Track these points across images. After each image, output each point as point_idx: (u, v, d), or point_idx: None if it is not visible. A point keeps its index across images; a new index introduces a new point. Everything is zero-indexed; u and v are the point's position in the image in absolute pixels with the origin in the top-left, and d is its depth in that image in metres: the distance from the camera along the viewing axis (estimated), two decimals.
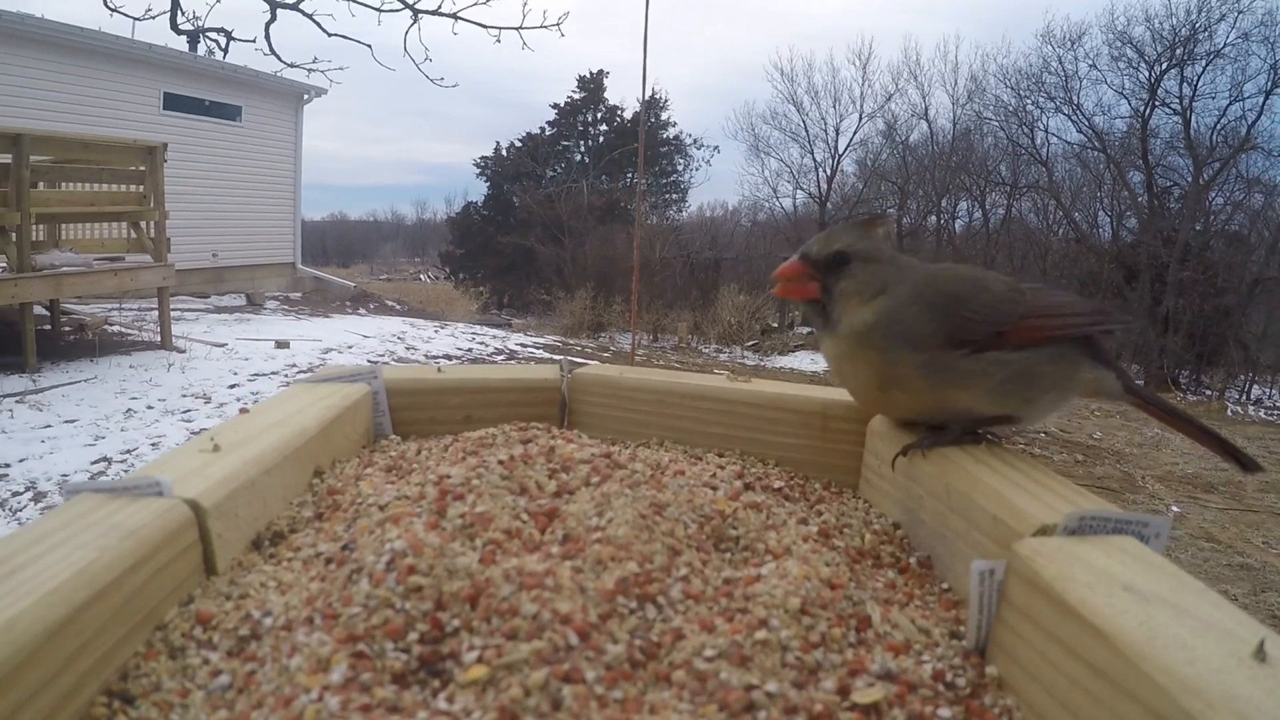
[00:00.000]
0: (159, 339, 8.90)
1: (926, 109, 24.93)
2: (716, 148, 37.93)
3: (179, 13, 13.55)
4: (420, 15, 13.34)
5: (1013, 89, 21.97)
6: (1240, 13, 17.55)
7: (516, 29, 13.27)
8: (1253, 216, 18.16)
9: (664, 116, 29.81)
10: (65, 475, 4.97)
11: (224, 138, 16.60)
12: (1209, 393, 15.03)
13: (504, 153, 28.62)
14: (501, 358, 10.62)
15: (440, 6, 13.36)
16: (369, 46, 13.77)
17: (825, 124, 25.88)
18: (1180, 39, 18.28)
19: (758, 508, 0.87)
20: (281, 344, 9.63)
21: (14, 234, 6.96)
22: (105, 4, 12.43)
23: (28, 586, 0.56)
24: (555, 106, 29.39)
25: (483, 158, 28.80)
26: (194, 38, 15.12)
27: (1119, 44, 19.44)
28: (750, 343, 16.05)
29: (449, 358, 10.09)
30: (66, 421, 6.00)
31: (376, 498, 0.84)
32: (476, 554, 0.71)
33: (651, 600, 0.67)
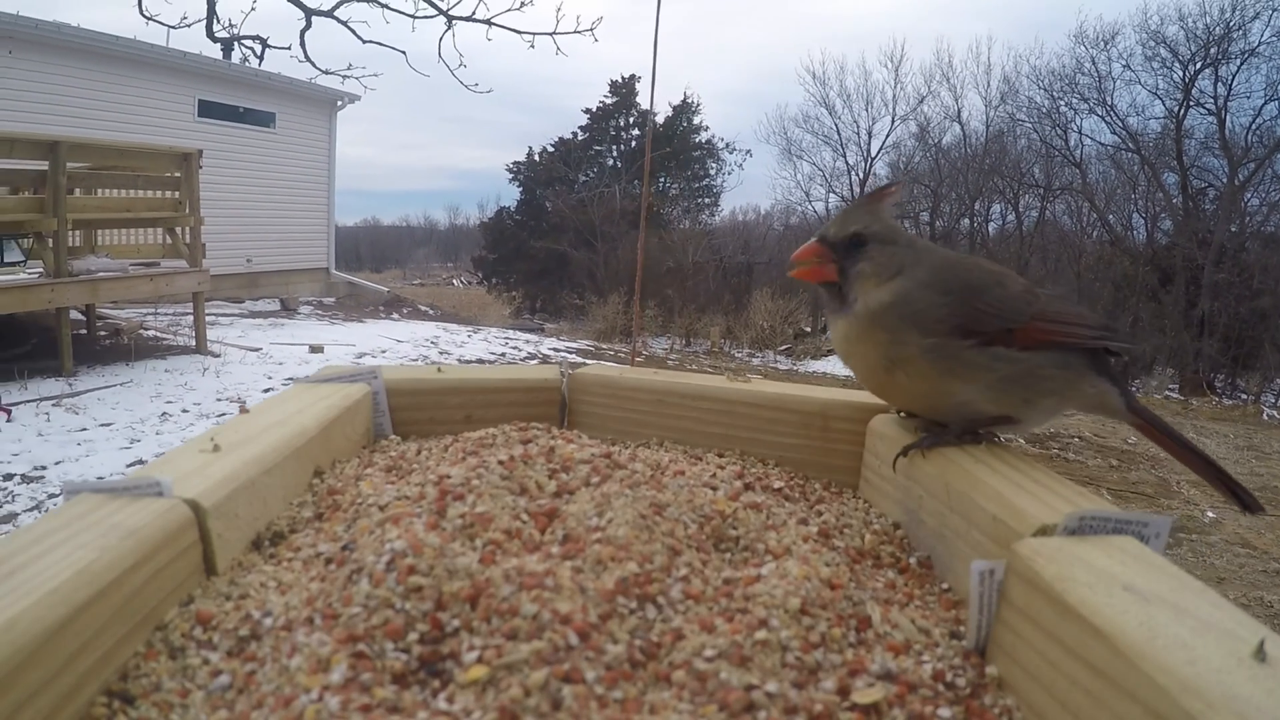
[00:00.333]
0: (194, 343, 8.95)
1: (959, 111, 24.77)
2: (749, 151, 37.91)
3: (214, 20, 13.67)
4: (454, 21, 13.39)
5: (1046, 90, 21.81)
6: (1275, 10, 17.33)
7: (550, 34, 13.29)
8: None
9: (696, 120, 29.72)
10: (101, 478, 4.97)
11: (258, 144, 16.67)
12: (1245, 396, 14.83)
13: (536, 158, 28.54)
14: (534, 362, 10.62)
15: (474, 12, 13.40)
16: (403, 53, 13.83)
17: (858, 127, 25.78)
18: (1214, 38, 18.08)
19: (758, 508, 0.87)
20: (316, 348, 9.66)
21: (51, 239, 7.02)
22: (141, 12, 12.54)
23: (28, 586, 0.56)
24: (587, 111, 29.29)
25: (515, 163, 28.74)
26: (229, 45, 15.21)
27: (1152, 44, 19.27)
28: (783, 347, 15.98)
29: (482, 363, 10.10)
30: (102, 425, 6.02)
31: (376, 498, 0.84)
32: (476, 554, 0.71)
33: (651, 600, 0.67)
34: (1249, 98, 18.27)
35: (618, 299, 17.06)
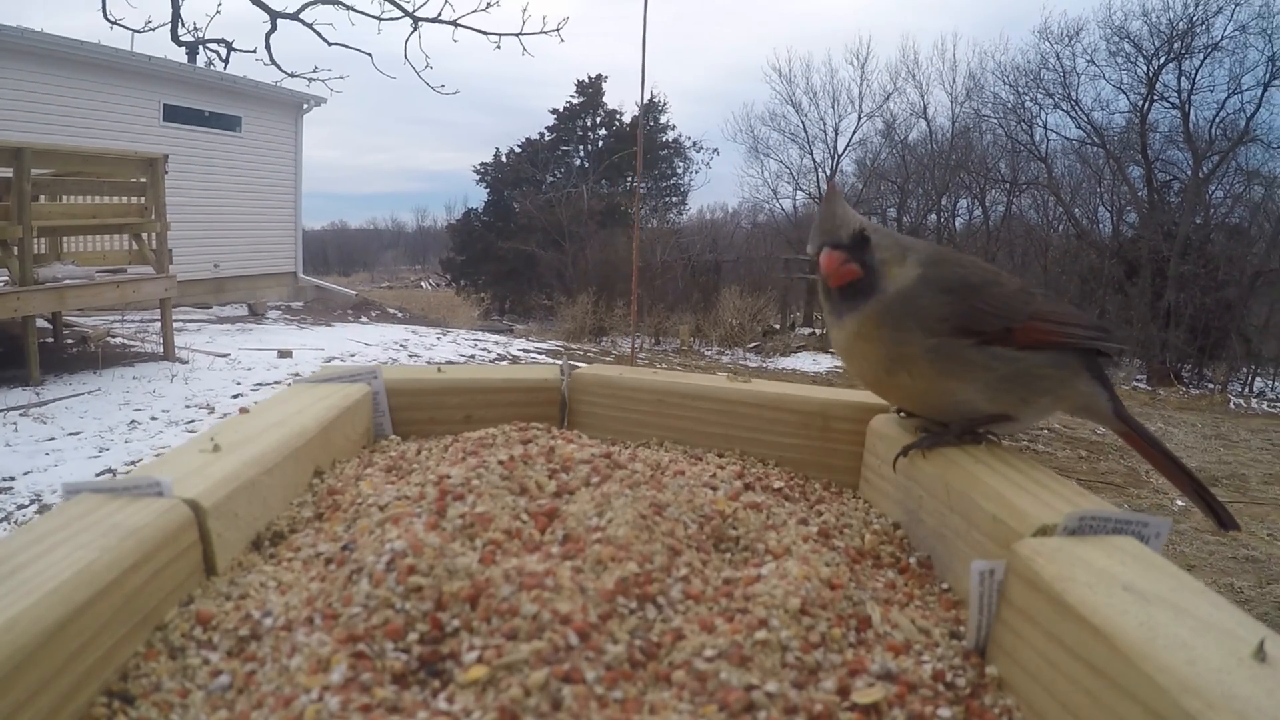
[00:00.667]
0: (162, 350, 8.91)
1: (925, 108, 24.92)
2: (716, 150, 38.04)
3: (179, 24, 13.58)
4: (420, 23, 13.36)
5: (1011, 86, 21.97)
6: (1237, 5, 17.53)
7: (516, 35, 13.29)
8: (1253, 209, 18.12)
9: (663, 120, 29.81)
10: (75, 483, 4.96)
11: (224, 148, 16.58)
12: (1212, 386, 15.02)
13: (504, 159, 28.56)
14: (504, 363, 10.62)
15: (440, 14, 13.38)
16: (369, 55, 13.79)
17: (824, 124, 25.91)
18: (1178, 33, 18.26)
19: (758, 508, 0.87)
20: (284, 353, 9.64)
21: (16, 247, 6.96)
22: (105, 16, 12.46)
23: (28, 586, 0.56)
24: (554, 112, 29.33)
25: (482, 164, 28.74)
26: (194, 49, 15.13)
27: (1116, 39, 19.43)
28: (752, 344, 16.00)
29: (452, 364, 10.08)
30: (70, 434, 5.99)
31: (376, 498, 0.84)
32: (476, 554, 0.71)
33: (651, 600, 0.67)
34: (1212, 91, 18.45)
35: (586, 299, 17.05)
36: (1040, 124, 21.38)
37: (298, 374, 8.34)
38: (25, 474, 5.13)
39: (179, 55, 15.11)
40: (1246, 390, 14.89)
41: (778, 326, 18.24)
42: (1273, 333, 15.94)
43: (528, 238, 23.99)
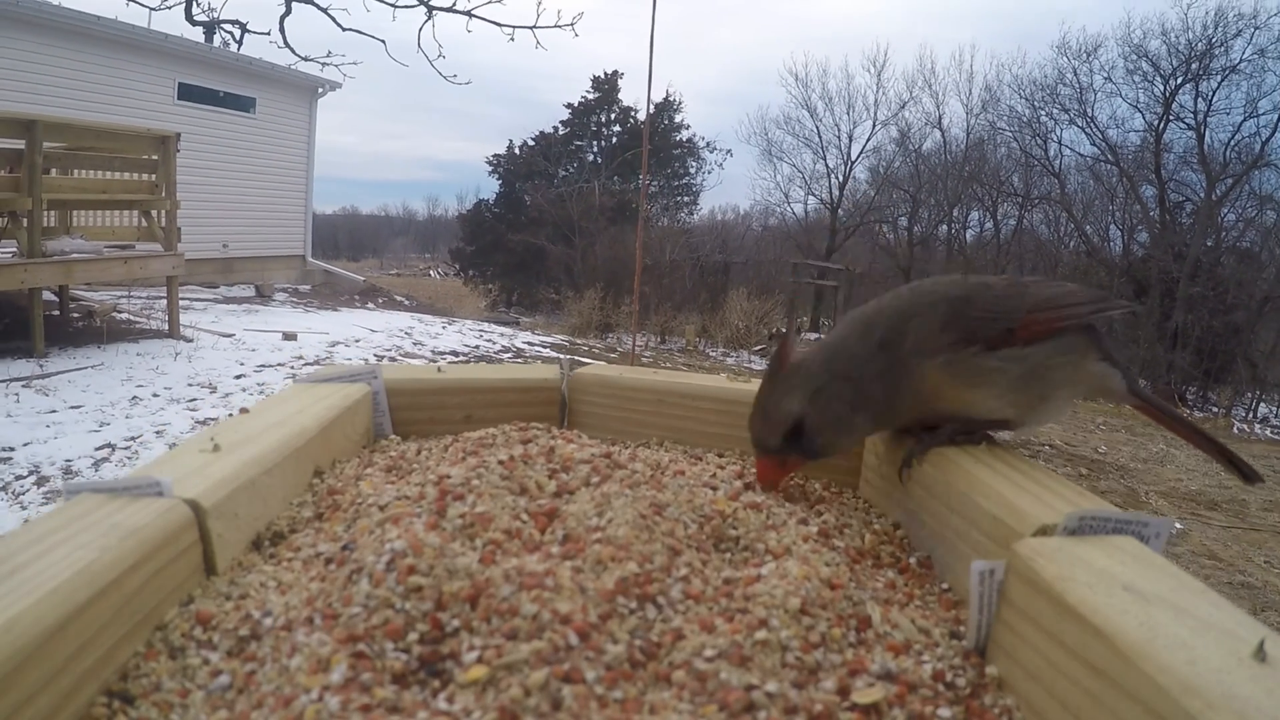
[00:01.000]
0: (167, 328, 8.92)
1: (940, 118, 24.93)
2: (729, 151, 37.94)
3: (194, 3, 13.61)
4: (434, 12, 13.40)
5: (1027, 100, 21.99)
6: (1257, 29, 17.57)
7: (530, 28, 13.31)
8: (1264, 234, 18.13)
9: (677, 119, 29.74)
10: (69, 460, 5.00)
11: (237, 129, 16.54)
12: (1216, 409, 14.99)
13: (516, 151, 28.47)
14: (508, 356, 10.62)
15: (455, 4, 13.40)
16: (383, 42, 13.86)
17: (839, 130, 25.96)
18: (1196, 54, 18.27)
19: (758, 508, 0.87)
20: (289, 336, 9.63)
21: (25, 219, 6.98)
22: None
23: (28, 586, 0.56)
24: (569, 106, 29.24)
25: (495, 155, 28.65)
26: (209, 29, 15.15)
27: (1134, 57, 19.46)
28: (758, 347, 15.98)
29: (455, 354, 10.10)
30: (72, 407, 6.01)
31: (376, 498, 0.84)
32: (476, 554, 0.71)
33: (651, 600, 0.67)
34: (1228, 114, 18.50)
35: (594, 294, 17.02)
36: (1055, 139, 21.43)
37: (301, 357, 8.37)
38: (25, 445, 5.14)
39: (196, 34, 15.14)
40: (1250, 415, 14.88)
41: (784, 331, 18.21)
42: (1279, 359, 15.91)
43: (538, 231, 23.95)
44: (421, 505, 0.80)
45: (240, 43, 15.60)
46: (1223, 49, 18.04)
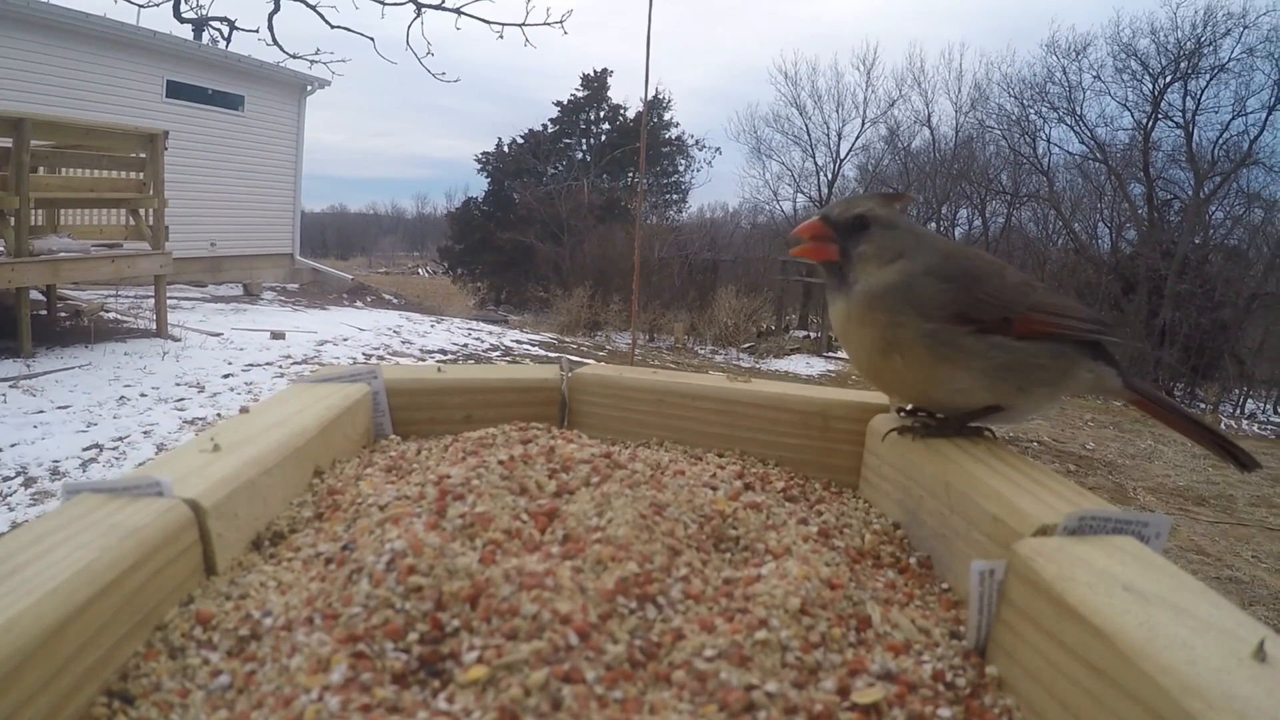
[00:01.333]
0: (155, 327, 8.91)
1: (929, 116, 25.04)
2: (718, 149, 37.96)
3: (183, 0, 13.57)
4: (423, 9, 13.38)
5: (1016, 98, 22.03)
6: (1245, 28, 17.63)
7: (519, 25, 13.32)
8: (1252, 232, 18.23)
9: (666, 117, 29.74)
10: (57, 461, 4.98)
11: (226, 127, 16.53)
12: (1203, 406, 15.05)
13: (505, 149, 28.43)
14: (497, 354, 10.62)
15: (444, 1, 13.39)
16: (371, 39, 13.88)
17: (828, 128, 26.01)
18: (1185, 52, 18.34)
19: (758, 508, 0.87)
20: (277, 335, 9.63)
21: (12, 218, 6.96)
22: None
23: (28, 586, 0.55)
24: (558, 104, 29.23)
25: (484, 153, 28.62)
26: (198, 26, 15.12)
27: (1123, 56, 19.51)
28: (746, 345, 16.02)
29: (444, 352, 10.10)
30: (60, 407, 5.99)
31: (376, 498, 0.84)
32: (476, 554, 0.71)
33: (651, 600, 0.67)
34: (1217, 112, 18.55)
35: (582, 293, 17.03)
36: (1044, 137, 21.48)
37: (289, 356, 8.36)
38: (12, 446, 5.13)
39: (184, 32, 15.09)
40: (1238, 411, 14.94)
41: (772, 328, 18.26)
42: (1266, 355, 16.00)
43: (526, 229, 23.93)
44: (421, 505, 0.80)
45: (229, 40, 15.58)
46: (1211, 48, 18.12)
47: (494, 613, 0.62)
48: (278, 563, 0.79)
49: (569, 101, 29.07)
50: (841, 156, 25.86)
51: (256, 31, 14.59)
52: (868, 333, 0.99)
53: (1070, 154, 21.18)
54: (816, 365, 14.43)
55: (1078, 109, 20.50)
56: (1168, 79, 18.70)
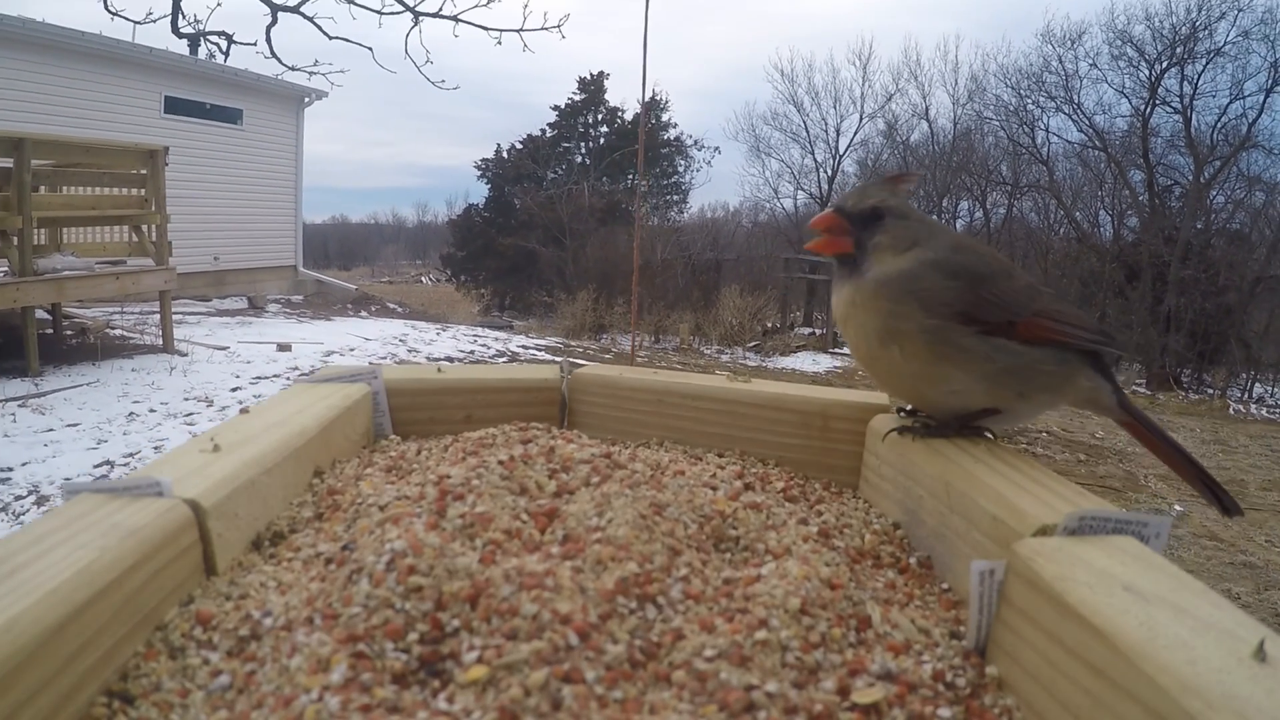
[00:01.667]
0: (161, 342, 8.91)
1: (927, 109, 25.00)
2: (717, 149, 37.88)
3: (180, 16, 13.61)
4: (421, 18, 13.42)
5: (1013, 88, 21.99)
6: (1240, 11, 17.56)
7: (517, 31, 13.36)
8: (1254, 215, 18.14)
9: (664, 118, 29.77)
10: (68, 479, 4.97)
11: (225, 141, 16.57)
12: (1211, 391, 15.01)
13: (505, 155, 28.49)
14: (503, 359, 10.62)
15: (441, 8, 13.41)
16: (370, 49, 13.90)
17: (826, 124, 26.00)
18: (1180, 37, 18.28)
19: (758, 508, 0.87)
20: (283, 347, 9.64)
21: (15, 238, 6.97)
22: (106, 7, 12.53)
23: (28, 586, 0.56)
24: (556, 108, 29.31)
25: (483, 160, 28.68)
26: (195, 41, 15.17)
27: (1119, 43, 19.45)
28: (752, 343, 16.00)
29: (450, 360, 10.10)
30: (69, 425, 5.99)
31: (376, 498, 0.84)
32: (476, 554, 0.71)
33: (651, 600, 0.67)
34: (1214, 96, 18.48)
35: (586, 296, 17.03)
36: (1042, 127, 21.42)
37: (296, 368, 8.36)
38: (23, 465, 5.13)
39: (181, 47, 15.14)
40: (1246, 396, 14.88)
41: (777, 326, 18.24)
42: (1272, 339, 15.93)
43: (528, 234, 23.95)
44: (421, 505, 0.80)
45: (227, 54, 15.62)
46: (1206, 32, 18.05)
47: (494, 613, 0.62)
48: (278, 563, 0.79)
49: (566, 105, 29.13)
50: (841, 152, 25.86)
51: (255, 45, 14.62)
52: (870, 319, 0.99)
53: (1069, 143, 21.15)
54: (823, 362, 14.42)
55: (1075, 97, 20.48)
56: (1164, 64, 18.65)
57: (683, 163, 30.52)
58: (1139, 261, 17.20)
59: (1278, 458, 8.14)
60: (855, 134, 25.90)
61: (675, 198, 30.44)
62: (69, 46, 13.53)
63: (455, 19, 13.40)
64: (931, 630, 0.70)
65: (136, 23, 13.52)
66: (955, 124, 24.05)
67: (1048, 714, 0.58)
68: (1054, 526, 0.70)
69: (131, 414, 6.40)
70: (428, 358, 10.14)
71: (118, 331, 9.78)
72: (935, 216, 22.31)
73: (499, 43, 13.39)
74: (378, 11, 13.29)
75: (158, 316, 9.06)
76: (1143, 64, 19.09)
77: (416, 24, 13.52)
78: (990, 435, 1.01)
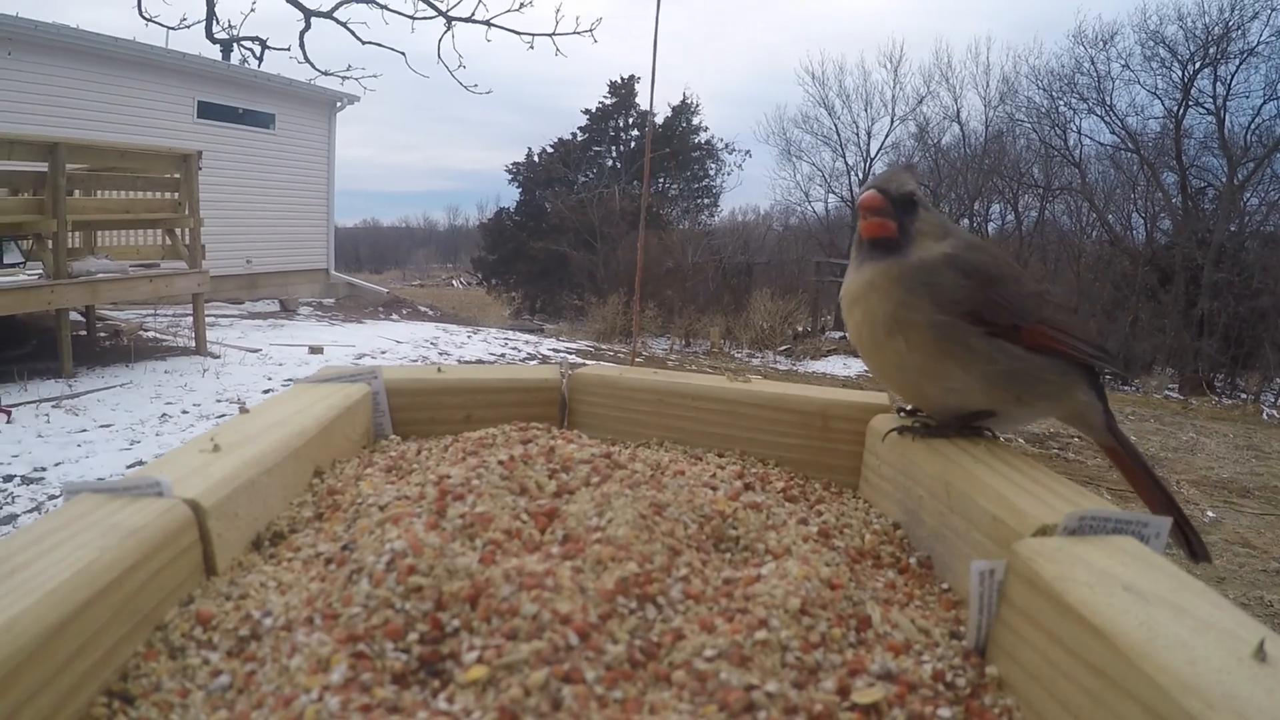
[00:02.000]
0: (194, 344, 8.95)
1: (958, 111, 24.89)
2: (748, 152, 37.79)
3: (214, 21, 13.71)
4: (454, 22, 13.42)
5: (1045, 90, 21.86)
6: (1274, 10, 17.39)
7: (549, 35, 13.34)
8: None
9: (695, 121, 29.71)
10: (101, 480, 4.97)
11: (258, 145, 16.65)
12: (1244, 396, 14.82)
13: (536, 158, 28.45)
14: (534, 363, 10.61)
15: (474, 13, 13.44)
16: (403, 54, 13.92)
17: (857, 127, 25.95)
18: (1213, 38, 18.12)
19: (758, 508, 0.87)
20: (315, 349, 9.65)
21: (50, 241, 7.03)
22: (140, 13, 12.59)
23: (28, 586, 0.56)
24: (587, 112, 29.20)
25: (514, 163, 28.67)
26: (228, 46, 15.25)
27: (1151, 43, 19.31)
28: (783, 347, 15.92)
29: (482, 363, 10.08)
30: (102, 426, 6.01)
31: (376, 498, 0.84)
32: (476, 554, 0.71)
33: (651, 600, 0.67)
34: (1248, 97, 18.35)
35: (617, 300, 16.98)
36: (1074, 129, 21.30)
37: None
38: (56, 465, 5.16)
39: (213, 53, 15.22)
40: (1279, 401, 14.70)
41: (808, 330, 18.15)
42: None
43: (559, 238, 23.91)
44: (421, 505, 0.80)
45: (261, 59, 15.69)
46: (1240, 32, 17.89)
47: (494, 613, 0.62)
48: (278, 563, 0.79)
49: (597, 109, 29.06)
50: (872, 155, 25.78)
51: (288, 50, 14.68)
52: (882, 305, 0.98)
53: (1101, 145, 20.99)
54: (854, 365, 14.28)
55: (1107, 99, 20.33)
56: (1197, 65, 18.49)
57: (713, 166, 30.44)
58: (1172, 265, 17.05)
59: None
60: (886, 137, 25.90)
61: (706, 201, 30.36)
62: (103, 52, 13.63)
63: (488, 23, 13.39)
64: (931, 630, 0.70)
65: (170, 28, 13.59)
66: (987, 126, 23.96)
67: (1048, 714, 0.59)
68: (1054, 526, 0.70)
69: (164, 415, 6.42)
70: (459, 361, 10.13)
71: (151, 334, 9.84)
72: (967, 221, 22.26)
73: (531, 47, 13.37)
74: (410, 16, 13.32)
75: (190, 319, 9.11)
76: (1175, 65, 18.96)
77: (449, 29, 13.54)
78: (990, 434, 1.01)
